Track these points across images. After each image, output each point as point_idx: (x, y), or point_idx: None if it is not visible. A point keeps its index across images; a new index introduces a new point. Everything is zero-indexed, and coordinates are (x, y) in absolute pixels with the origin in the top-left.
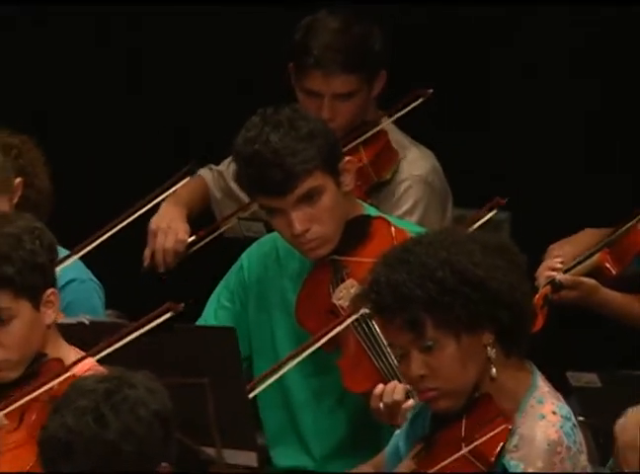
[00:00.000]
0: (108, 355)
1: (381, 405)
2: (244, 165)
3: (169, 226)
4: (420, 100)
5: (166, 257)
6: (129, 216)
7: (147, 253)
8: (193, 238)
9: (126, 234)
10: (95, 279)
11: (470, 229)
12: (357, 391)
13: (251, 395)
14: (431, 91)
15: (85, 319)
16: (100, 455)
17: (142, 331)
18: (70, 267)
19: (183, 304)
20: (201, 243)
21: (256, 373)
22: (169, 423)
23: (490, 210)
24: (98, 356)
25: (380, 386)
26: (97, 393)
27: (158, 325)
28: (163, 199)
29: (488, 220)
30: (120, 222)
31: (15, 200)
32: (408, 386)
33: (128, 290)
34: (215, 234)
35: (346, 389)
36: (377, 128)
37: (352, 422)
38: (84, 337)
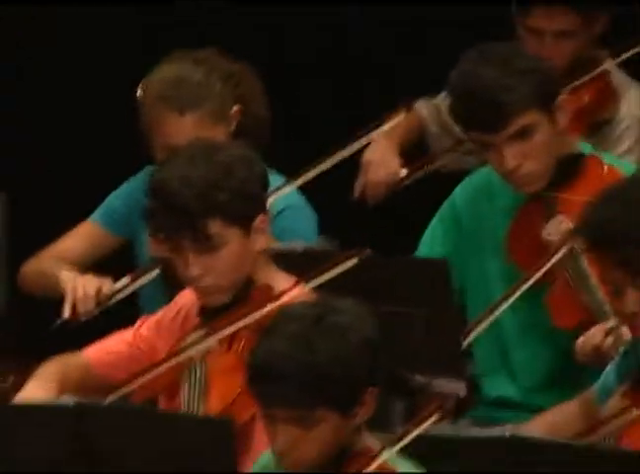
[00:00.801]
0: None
1: (584, 353)
2: (457, 100)
3: (382, 159)
4: None
5: (377, 189)
6: (345, 149)
7: (358, 185)
8: (405, 172)
9: (342, 166)
10: (309, 207)
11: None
12: (565, 327)
13: (468, 340)
14: None
15: (298, 246)
16: (308, 381)
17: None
18: (285, 194)
19: (368, 250)
20: (414, 177)
21: (468, 306)
22: (377, 349)
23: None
24: (310, 285)
25: (580, 339)
26: (306, 319)
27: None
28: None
29: None
30: (336, 154)
31: (231, 128)
32: (607, 326)
33: (341, 219)
34: (430, 168)
35: (554, 325)
36: (599, 69)
37: (559, 355)
38: (297, 263)
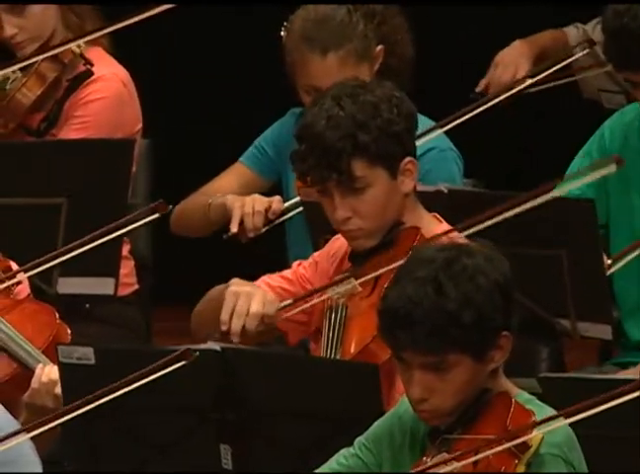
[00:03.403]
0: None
1: None
2: (611, 38)
3: (512, 62)
4: None
5: (498, 89)
6: (495, 97)
7: (482, 81)
8: (531, 81)
9: (488, 111)
10: (454, 149)
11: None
12: None
13: (610, 271)
14: None
15: (443, 187)
16: (439, 325)
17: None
18: (432, 137)
19: None
20: (540, 87)
21: (612, 244)
22: (509, 292)
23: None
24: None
25: None
26: (436, 263)
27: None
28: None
29: None
30: (485, 102)
31: (376, 68)
32: None
33: (488, 160)
34: (567, 80)
35: None
36: None
37: None
38: (442, 205)
